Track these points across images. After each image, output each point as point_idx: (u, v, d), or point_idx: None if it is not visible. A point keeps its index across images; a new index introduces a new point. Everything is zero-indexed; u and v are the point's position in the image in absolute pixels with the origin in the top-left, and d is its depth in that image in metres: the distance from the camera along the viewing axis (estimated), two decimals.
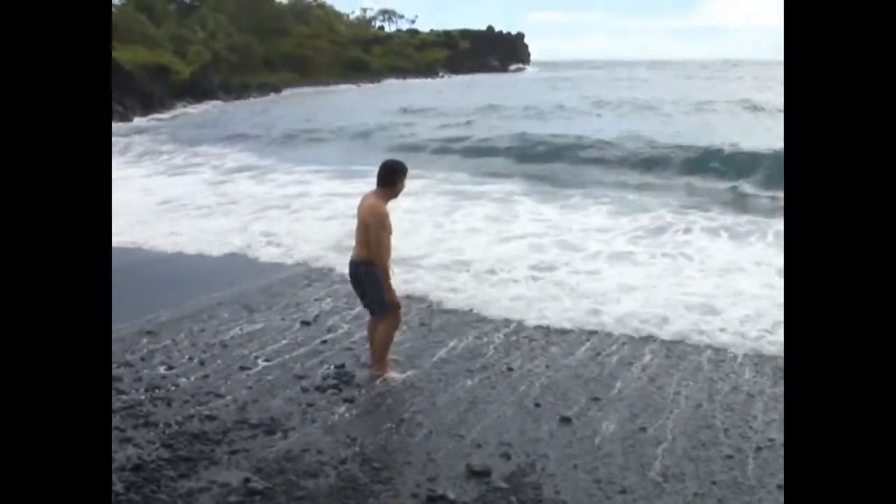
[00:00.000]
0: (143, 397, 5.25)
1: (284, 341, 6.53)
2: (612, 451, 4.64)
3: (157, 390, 5.38)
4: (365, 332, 6.21)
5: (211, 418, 4.96)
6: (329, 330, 6.84)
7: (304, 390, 5.46)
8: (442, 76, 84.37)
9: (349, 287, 6.01)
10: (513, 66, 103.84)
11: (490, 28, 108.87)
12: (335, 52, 76.15)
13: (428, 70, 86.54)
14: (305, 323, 7.03)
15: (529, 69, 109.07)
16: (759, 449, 4.59)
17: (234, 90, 51.29)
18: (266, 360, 6.06)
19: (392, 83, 71.48)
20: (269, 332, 6.80)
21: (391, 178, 5.56)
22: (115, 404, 5.07)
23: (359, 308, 6.54)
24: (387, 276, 5.54)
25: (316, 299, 7.79)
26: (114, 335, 6.31)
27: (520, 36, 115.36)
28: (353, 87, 65.15)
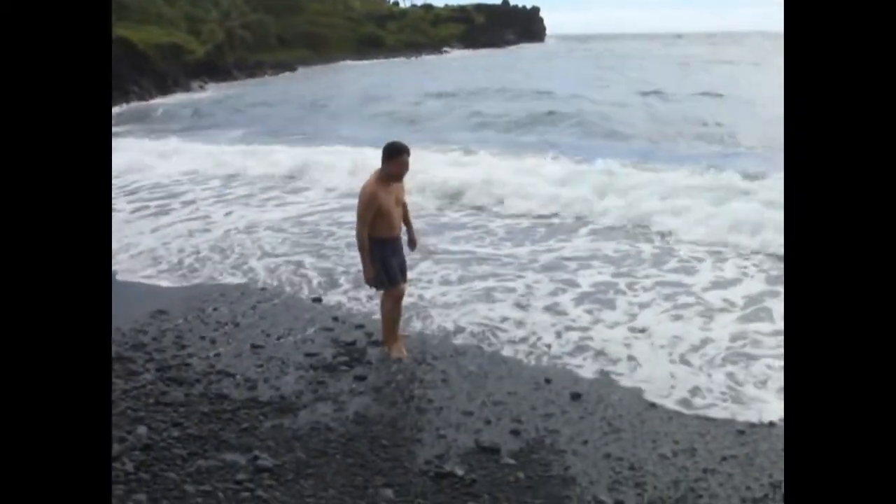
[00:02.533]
0: (153, 377, 5.27)
1: (296, 319, 6.53)
2: (621, 426, 4.62)
3: (168, 370, 5.40)
4: (377, 310, 6.20)
5: (221, 397, 4.97)
6: (340, 307, 6.84)
7: (314, 368, 5.46)
8: (444, 52, 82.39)
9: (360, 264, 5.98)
10: (531, 41, 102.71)
11: (505, 2, 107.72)
12: (350, 28, 75.78)
13: (442, 45, 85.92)
14: (317, 300, 7.03)
15: (550, 42, 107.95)
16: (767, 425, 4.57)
17: (248, 68, 51.17)
18: (277, 339, 6.07)
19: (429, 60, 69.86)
20: (281, 309, 6.81)
21: (383, 159, 5.51)
22: (127, 385, 5.10)
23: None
24: (362, 251, 5.53)
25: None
26: (126, 316, 6.35)
27: (535, 10, 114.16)
28: (376, 62, 64.26)
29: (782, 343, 6.08)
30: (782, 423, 4.55)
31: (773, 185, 10.06)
